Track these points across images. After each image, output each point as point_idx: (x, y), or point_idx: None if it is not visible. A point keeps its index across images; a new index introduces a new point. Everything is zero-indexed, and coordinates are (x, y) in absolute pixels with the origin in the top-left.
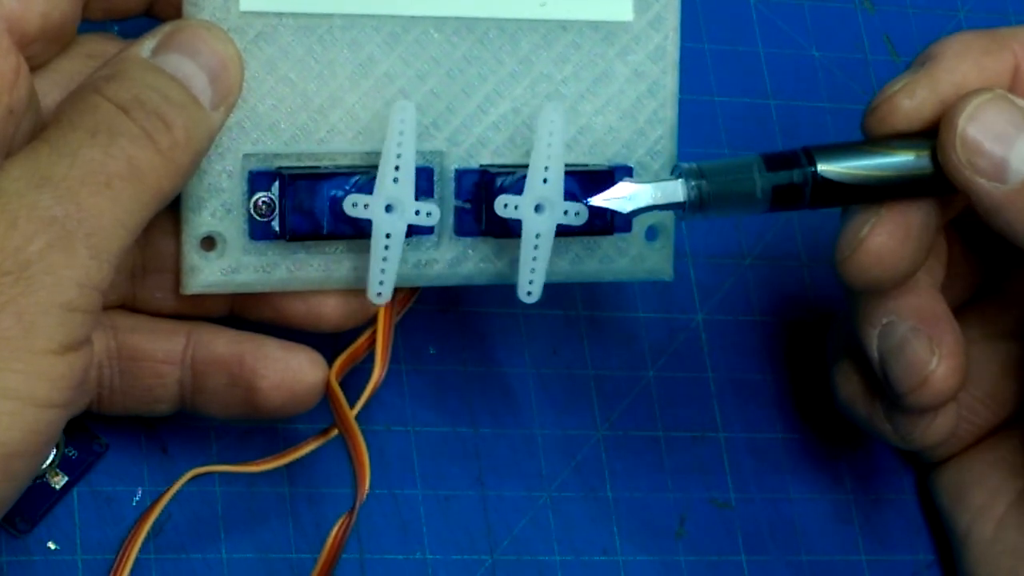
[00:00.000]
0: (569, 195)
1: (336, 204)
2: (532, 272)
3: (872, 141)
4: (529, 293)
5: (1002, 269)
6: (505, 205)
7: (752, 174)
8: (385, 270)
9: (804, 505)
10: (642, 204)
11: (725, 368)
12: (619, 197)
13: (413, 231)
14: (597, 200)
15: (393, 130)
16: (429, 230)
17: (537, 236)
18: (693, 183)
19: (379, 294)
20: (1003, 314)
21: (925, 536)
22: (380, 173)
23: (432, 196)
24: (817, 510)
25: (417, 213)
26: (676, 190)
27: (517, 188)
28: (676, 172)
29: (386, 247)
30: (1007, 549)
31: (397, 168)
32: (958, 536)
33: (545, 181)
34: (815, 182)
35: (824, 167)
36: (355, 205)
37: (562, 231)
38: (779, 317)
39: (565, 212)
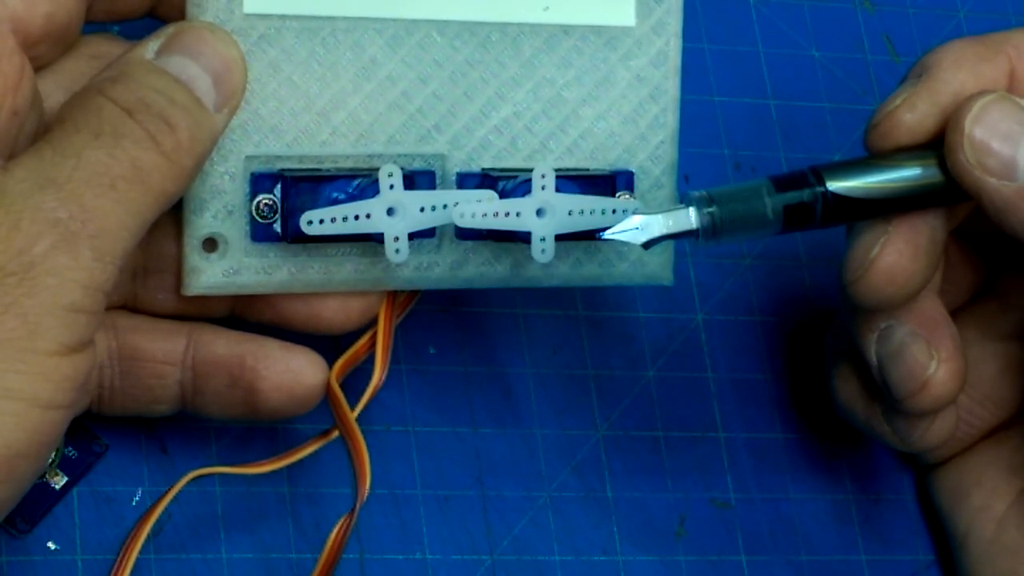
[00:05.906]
0: None
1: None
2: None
3: (877, 156)
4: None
5: (999, 270)
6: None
7: (762, 196)
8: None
9: (804, 505)
10: (655, 234)
11: (725, 368)
12: (631, 229)
13: (415, 234)
14: (610, 234)
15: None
16: (431, 232)
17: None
18: (706, 210)
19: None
20: (1001, 315)
21: (925, 536)
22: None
23: None
24: (817, 510)
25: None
26: (688, 218)
27: (519, 192)
28: (686, 200)
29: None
30: (1006, 549)
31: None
32: (957, 536)
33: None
34: (825, 199)
35: (832, 184)
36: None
37: (565, 235)
38: (779, 317)
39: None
